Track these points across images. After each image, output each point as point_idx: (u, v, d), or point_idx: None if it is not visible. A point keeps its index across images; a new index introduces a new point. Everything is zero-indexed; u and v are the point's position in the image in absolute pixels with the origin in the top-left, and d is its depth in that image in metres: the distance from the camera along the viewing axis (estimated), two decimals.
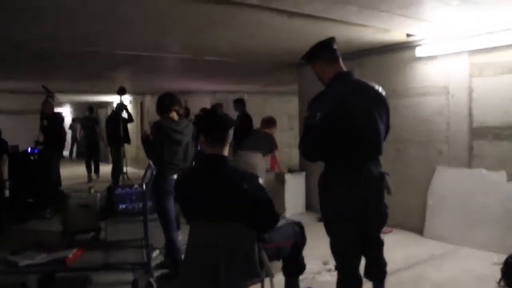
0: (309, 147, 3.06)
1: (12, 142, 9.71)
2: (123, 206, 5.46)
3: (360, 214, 3.02)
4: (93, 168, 12.34)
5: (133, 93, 14.06)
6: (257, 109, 11.63)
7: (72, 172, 13.25)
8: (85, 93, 13.72)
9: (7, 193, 7.48)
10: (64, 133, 9.04)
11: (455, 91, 5.69)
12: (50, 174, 8.00)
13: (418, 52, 5.97)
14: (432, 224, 5.82)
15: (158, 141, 4.38)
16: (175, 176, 4.34)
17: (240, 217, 2.76)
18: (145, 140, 4.68)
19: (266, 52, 6.75)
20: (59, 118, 9.03)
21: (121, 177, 9.26)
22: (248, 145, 6.77)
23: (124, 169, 9.21)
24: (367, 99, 3.07)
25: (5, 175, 7.59)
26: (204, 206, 2.86)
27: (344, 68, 3.19)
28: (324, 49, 3.18)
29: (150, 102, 13.33)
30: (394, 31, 5.48)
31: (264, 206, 2.81)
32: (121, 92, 9.06)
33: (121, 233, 5.32)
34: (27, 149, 8.02)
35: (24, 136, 10.27)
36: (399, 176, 5.89)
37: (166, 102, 4.55)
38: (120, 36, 5.62)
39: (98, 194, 6.07)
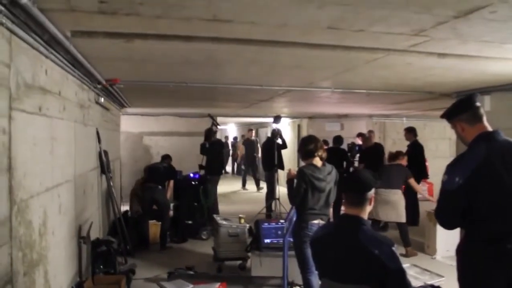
0: (447, 216, 2.86)
1: (178, 161, 10.78)
2: (268, 241, 5.60)
3: None
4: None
5: (291, 116, 14.44)
6: None
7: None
8: (248, 117, 14.51)
9: (171, 214, 8.25)
10: (221, 158, 9.62)
11: None
12: (207, 198, 8.56)
13: None
14: None
15: (301, 189, 4.43)
16: (315, 221, 4.41)
17: (366, 282, 2.66)
18: (289, 181, 4.76)
19: (421, 85, 6.41)
20: (219, 144, 9.65)
21: (273, 202, 9.53)
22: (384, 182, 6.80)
23: (277, 195, 9.45)
24: None
25: (171, 198, 8.38)
26: (333, 265, 2.84)
27: (489, 128, 2.89)
28: (466, 108, 2.93)
29: (307, 125, 13.55)
30: None
31: (394, 277, 2.67)
32: (277, 120, 9.41)
33: (264, 267, 5.47)
34: (189, 174, 8.69)
35: (189, 157, 11.16)
36: None
37: (309, 147, 4.59)
38: (278, 77, 5.88)
39: (247, 225, 6.36)
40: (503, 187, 2.67)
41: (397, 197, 7.18)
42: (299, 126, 14.37)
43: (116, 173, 9.26)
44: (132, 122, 12.87)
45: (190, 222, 8.13)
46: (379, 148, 9.56)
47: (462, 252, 2.87)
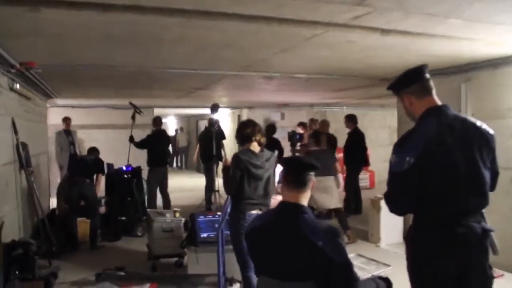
0: (399, 199, 2.55)
1: (114, 155, 10.17)
2: (205, 235, 5.20)
3: (458, 280, 2.47)
4: None
5: (231, 106, 14.07)
6: None
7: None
8: (187, 107, 13.99)
9: (102, 210, 7.69)
10: (163, 149, 9.07)
11: None
12: (141, 191, 8.05)
13: None
14: None
15: (236, 176, 4.06)
16: (253, 212, 4.06)
17: (309, 278, 2.39)
18: (225, 169, 4.40)
19: (362, 68, 6.20)
20: (160, 134, 9.11)
21: (213, 195, 9.13)
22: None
23: (216, 187, 9.05)
24: (467, 139, 2.50)
25: (103, 193, 7.81)
26: (271, 261, 2.55)
27: (438, 102, 2.64)
28: (414, 80, 2.66)
29: (247, 116, 13.23)
30: (509, 43, 4.70)
31: (340, 270, 2.38)
32: (214, 109, 9.01)
33: (201, 264, 5.06)
34: (121, 167, 8.14)
35: (125, 150, 10.54)
36: None
37: (246, 131, 4.23)
38: (210, 60, 5.48)
39: (183, 219, 5.93)
40: (454, 166, 2.44)
41: (332, 183, 7.02)
42: (239, 117, 14.02)
43: (43, 168, 8.55)
44: (63, 115, 12.06)
45: (123, 218, 7.57)
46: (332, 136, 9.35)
47: (412, 238, 2.61)
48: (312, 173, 2.63)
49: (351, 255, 4.62)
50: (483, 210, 2.56)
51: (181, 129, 20.95)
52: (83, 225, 7.10)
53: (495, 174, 2.63)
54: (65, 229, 6.85)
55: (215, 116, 9.42)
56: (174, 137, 20.65)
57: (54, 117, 12.07)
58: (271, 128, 9.33)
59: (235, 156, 4.15)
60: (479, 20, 3.67)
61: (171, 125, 23.30)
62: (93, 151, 7.84)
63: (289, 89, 8.64)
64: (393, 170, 2.52)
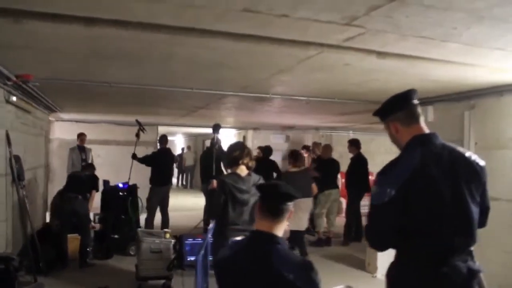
0: (378, 234, 2.37)
1: (116, 171, 10.06)
2: (192, 259, 5.03)
3: None
4: None
5: (237, 127, 13.98)
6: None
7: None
8: (191, 127, 13.89)
9: (97, 227, 7.54)
10: (166, 168, 8.94)
11: None
12: (136, 209, 7.91)
13: None
14: None
15: (219, 200, 3.90)
16: (238, 238, 3.87)
17: None
18: (210, 192, 4.24)
19: (364, 93, 6.04)
20: (165, 152, 8.99)
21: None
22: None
23: None
24: (455, 171, 2.30)
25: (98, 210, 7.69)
26: None
27: (426, 130, 2.44)
28: (400, 106, 2.48)
29: (252, 137, 13.11)
30: None
31: None
32: (216, 129, 8.85)
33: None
34: (117, 184, 8.01)
35: (127, 167, 10.42)
36: None
37: (234, 154, 4.08)
38: (205, 78, 5.37)
39: (172, 241, 5.76)
40: (439, 200, 2.24)
41: (307, 205, 6.96)
42: (244, 138, 13.91)
43: (40, 182, 8.45)
44: (66, 129, 12.09)
45: (116, 236, 7.41)
46: (335, 162, 9.20)
47: (392, 276, 2.41)
48: (290, 203, 2.45)
49: (340, 286, 4.47)
50: (472, 249, 2.35)
51: (188, 148, 20.88)
52: (75, 241, 6.95)
53: (485, 209, 2.43)
54: (55, 245, 6.71)
55: (218, 136, 9.29)
56: (181, 155, 20.58)
57: (59, 131, 12.11)
58: (267, 150, 9.18)
59: (220, 180, 4.01)
60: (477, 44, 3.52)
61: (179, 144, 23.26)
62: (89, 167, 7.73)
63: (292, 111, 8.51)
64: (373, 202, 2.34)
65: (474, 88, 5.56)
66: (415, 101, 2.51)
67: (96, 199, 8.16)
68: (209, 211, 4.01)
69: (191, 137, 21.61)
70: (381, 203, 2.26)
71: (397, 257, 2.38)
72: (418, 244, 2.26)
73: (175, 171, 21.47)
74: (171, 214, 8.86)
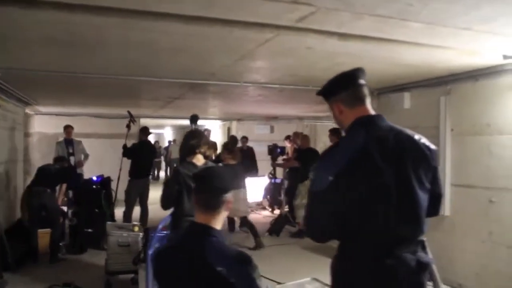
0: (315, 223, 2.16)
1: (99, 164, 9.84)
2: None
3: None
4: None
5: (222, 118, 13.82)
6: None
7: None
8: (175, 118, 13.71)
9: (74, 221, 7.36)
10: (146, 160, 8.72)
11: None
12: (110, 203, 7.74)
13: None
14: None
15: (172, 190, 3.72)
16: None
17: None
18: (166, 182, 4.06)
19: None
20: (145, 145, 8.81)
21: None
22: None
23: None
24: (401, 155, 2.10)
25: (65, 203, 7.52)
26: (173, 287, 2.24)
27: (371, 111, 2.25)
28: (344, 85, 2.28)
29: (237, 128, 12.95)
30: (485, 53, 4.37)
31: None
32: (193, 120, 8.68)
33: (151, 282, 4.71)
34: (91, 177, 7.82)
35: (111, 160, 10.21)
36: (494, 237, 4.75)
37: (190, 142, 3.90)
38: (169, 65, 5.21)
39: (141, 234, 5.59)
40: (382, 186, 2.04)
41: (241, 195, 7.33)
42: (229, 129, 13.75)
43: (13, 177, 8.25)
44: (46, 122, 11.93)
45: (90, 230, 7.23)
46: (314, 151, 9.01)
47: (335, 270, 2.22)
48: (227, 194, 2.29)
49: (305, 279, 4.32)
50: (423, 239, 2.18)
51: (174, 141, 20.74)
52: (46, 236, 6.77)
53: (436, 197, 2.24)
54: (24, 240, 6.54)
55: (208, 128, 9.23)
56: (167, 148, 20.52)
57: (39, 125, 11.91)
58: (233, 139, 9.39)
59: (175, 169, 3.83)
60: (440, 23, 3.34)
61: (167, 137, 23.13)
62: (60, 160, 7.51)
63: (270, 101, 8.34)
64: (312, 189, 2.16)
65: (450, 72, 5.41)
66: (362, 81, 2.30)
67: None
68: (163, 202, 3.80)
69: (179, 130, 21.45)
70: (319, 190, 2.08)
71: (339, 249, 2.20)
72: (360, 234, 2.08)
73: (163, 164, 21.44)
74: (152, 207, 8.66)
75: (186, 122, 14.85)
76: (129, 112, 8.57)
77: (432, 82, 5.80)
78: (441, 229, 5.68)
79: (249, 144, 11.11)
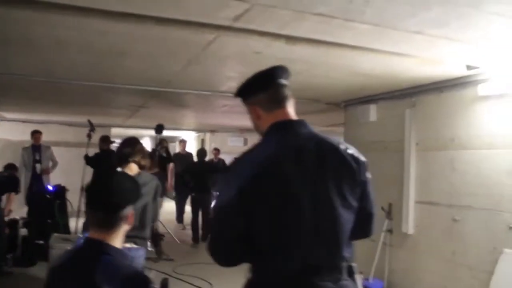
0: (218, 243, 1.86)
1: (66, 174, 9.45)
2: None
3: None
4: None
5: (196, 130, 13.56)
6: None
7: None
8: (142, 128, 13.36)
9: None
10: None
11: None
12: (64, 213, 7.38)
13: (482, 89, 4.49)
14: None
15: None
16: (127, 245, 3.38)
17: None
18: None
19: (299, 89, 5.51)
20: (108, 154, 8.46)
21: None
22: None
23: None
24: (321, 167, 1.80)
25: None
26: None
27: (292, 116, 1.95)
28: (261, 86, 1.97)
29: (210, 140, 12.69)
30: (447, 62, 4.14)
31: None
32: (158, 130, 8.43)
33: None
34: (46, 186, 7.47)
35: (78, 169, 9.84)
36: (456, 257, 4.51)
37: (124, 150, 3.60)
38: (118, 71, 4.89)
39: None
40: (294, 200, 1.74)
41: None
42: (202, 140, 13.48)
43: None
44: (11, 129, 11.49)
45: (41, 242, 6.84)
46: None
47: None
48: (126, 209, 1.99)
49: None
50: (352, 264, 1.86)
51: (153, 150, 20.39)
52: None
53: (367, 215, 1.94)
54: None
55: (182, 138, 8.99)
56: None
57: (2, 131, 11.51)
58: (201, 153, 9.26)
59: None
60: (389, 25, 3.07)
61: (147, 147, 22.74)
62: (10, 168, 7.13)
63: (236, 112, 8.06)
64: (216, 203, 1.88)
65: (414, 84, 5.19)
66: (282, 81, 1.99)
67: None
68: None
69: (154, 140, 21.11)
70: (223, 206, 1.80)
71: (250, 275, 1.88)
72: (272, 260, 1.77)
73: None
74: None
75: (166, 132, 14.62)
76: (89, 121, 8.30)
77: (397, 94, 5.57)
78: (405, 248, 5.44)
79: (221, 156, 10.94)
